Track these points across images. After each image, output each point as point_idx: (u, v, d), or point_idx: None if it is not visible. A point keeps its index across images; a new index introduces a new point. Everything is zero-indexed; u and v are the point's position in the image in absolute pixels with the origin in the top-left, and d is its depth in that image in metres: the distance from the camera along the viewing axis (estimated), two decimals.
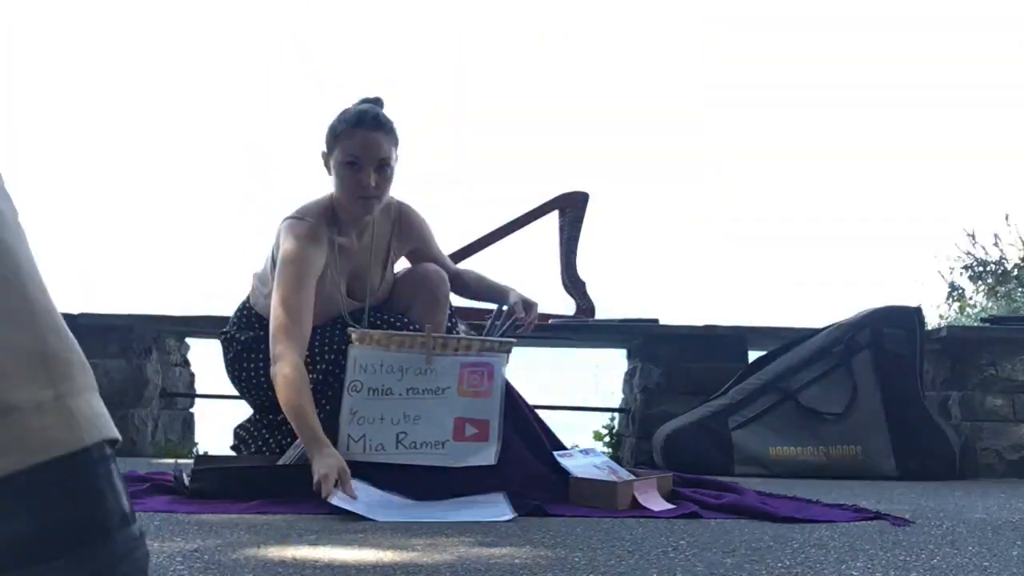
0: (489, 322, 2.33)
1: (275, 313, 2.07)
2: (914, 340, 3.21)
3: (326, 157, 2.20)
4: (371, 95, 2.26)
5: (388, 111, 2.23)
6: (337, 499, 1.72)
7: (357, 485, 1.83)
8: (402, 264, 2.44)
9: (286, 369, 1.98)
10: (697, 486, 2.21)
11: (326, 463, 1.82)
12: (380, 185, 2.14)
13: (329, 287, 2.20)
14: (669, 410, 3.39)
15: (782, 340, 3.45)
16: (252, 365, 2.26)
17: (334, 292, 2.22)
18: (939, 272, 6.83)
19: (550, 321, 3.65)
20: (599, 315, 3.80)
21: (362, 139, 2.12)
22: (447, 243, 2.95)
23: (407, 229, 2.36)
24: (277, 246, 2.21)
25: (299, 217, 2.19)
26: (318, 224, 2.17)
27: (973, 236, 6.77)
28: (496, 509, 1.75)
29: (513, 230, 3.75)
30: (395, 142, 2.18)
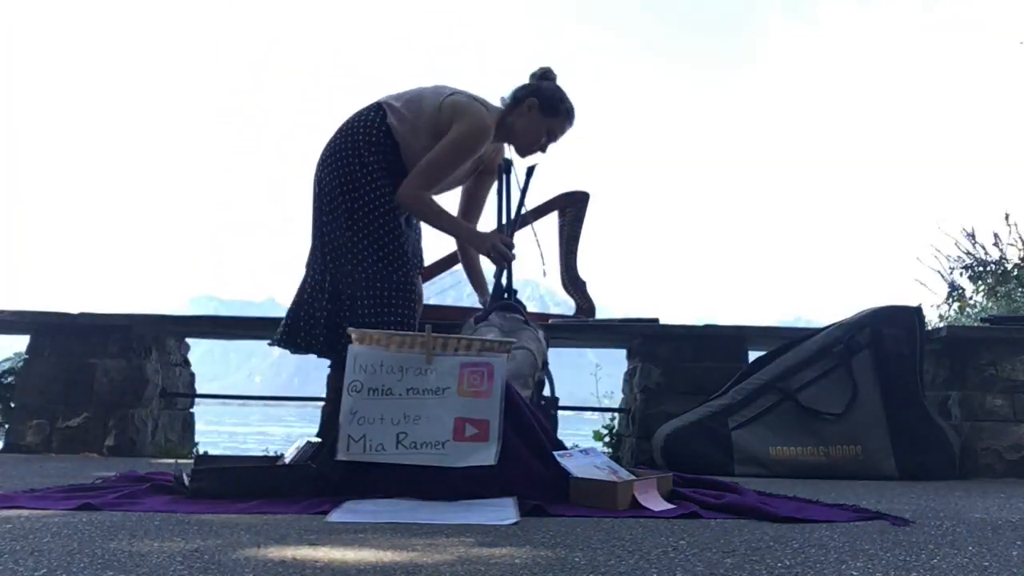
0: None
1: (435, 165, 2.56)
2: (914, 340, 3.21)
3: (534, 105, 2.68)
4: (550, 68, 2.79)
5: None
6: (338, 515, 1.71)
7: (360, 505, 1.82)
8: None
9: (427, 198, 2.58)
10: (697, 486, 2.21)
11: (486, 235, 2.71)
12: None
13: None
14: (669, 410, 3.39)
15: (782, 340, 3.45)
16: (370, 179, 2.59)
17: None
18: (939, 272, 6.81)
19: (550, 321, 3.65)
20: (599, 315, 3.80)
21: (567, 130, 2.77)
22: (452, 242, 2.98)
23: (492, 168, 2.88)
24: (446, 107, 2.59)
25: (485, 105, 2.66)
26: (492, 125, 2.66)
27: (973, 236, 6.75)
28: (502, 512, 1.75)
29: (514, 230, 3.75)
30: None
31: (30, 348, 3.61)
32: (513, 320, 2.67)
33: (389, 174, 2.59)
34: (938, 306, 6.59)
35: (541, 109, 2.69)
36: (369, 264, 2.54)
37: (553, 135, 2.73)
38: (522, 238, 2.88)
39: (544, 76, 2.77)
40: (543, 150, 2.75)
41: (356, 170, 2.58)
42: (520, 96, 2.70)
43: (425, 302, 3.16)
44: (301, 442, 2.30)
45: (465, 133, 2.57)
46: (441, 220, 2.66)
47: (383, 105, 2.64)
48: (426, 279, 3.58)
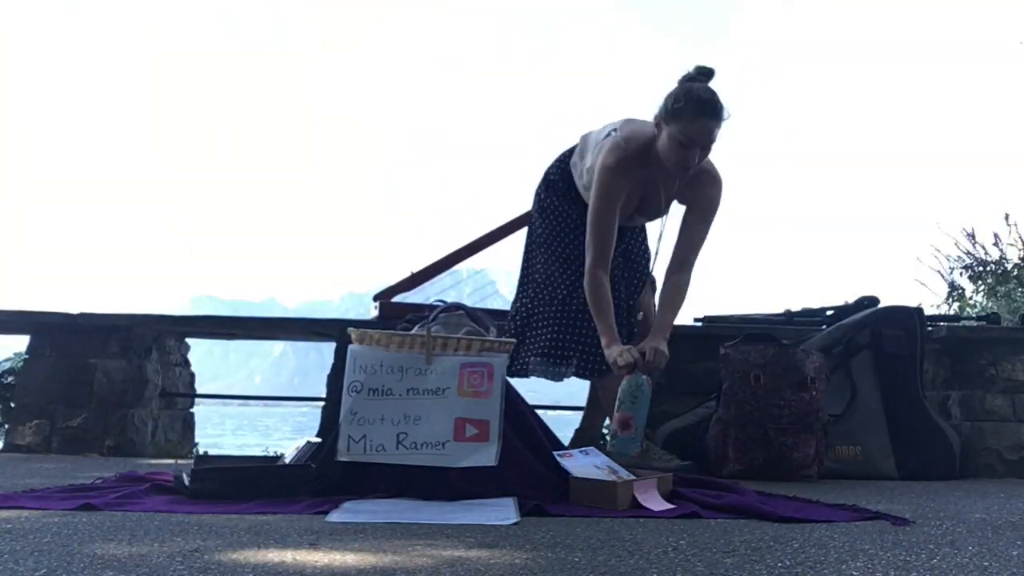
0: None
1: (591, 231, 2.56)
2: (914, 340, 3.20)
3: (659, 119, 2.47)
4: (707, 65, 2.49)
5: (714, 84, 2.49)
6: (338, 515, 1.71)
7: (360, 505, 1.82)
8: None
9: (596, 279, 2.55)
10: (697, 486, 2.21)
11: (614, 350, 2.44)
12: (701, 160, 2.47)
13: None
14: (669, 410, 3.38)
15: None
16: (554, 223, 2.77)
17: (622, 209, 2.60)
18: (939, 272, 6.81)
19: None
20: None
21: (701, 127, 2.40)
22: (452, 242, 2.97)
23: (698, 188, 2.62)
24: (598, 148, 2.59)
25: (623, 144, 2.53)
26: (632, 157, 2.52)
27: (973, 236, 6.74)
28: (502, 512, 1.75)
29: (514, 230, 3.75)
30: (722, 124, 2.44)
31: (30, 348, 3.61)
32: (457, 317, 2.53)
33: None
34: (938, 306, 6.59)
35: (664, 121, 2.45)
36: None
37: (689, 141, 2.40)
38: None
39: (691, 79, 2.48)
40: (689, 163, 2.45)
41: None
42: (656, 116, 2.51)
43: (424, 301, 3.16)
44: (301, 442, 2.29)
45: (595, 195, 2.56)
46: (594, 311, 2.57)
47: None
48: (426, 279, 3.59)
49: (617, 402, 2.39)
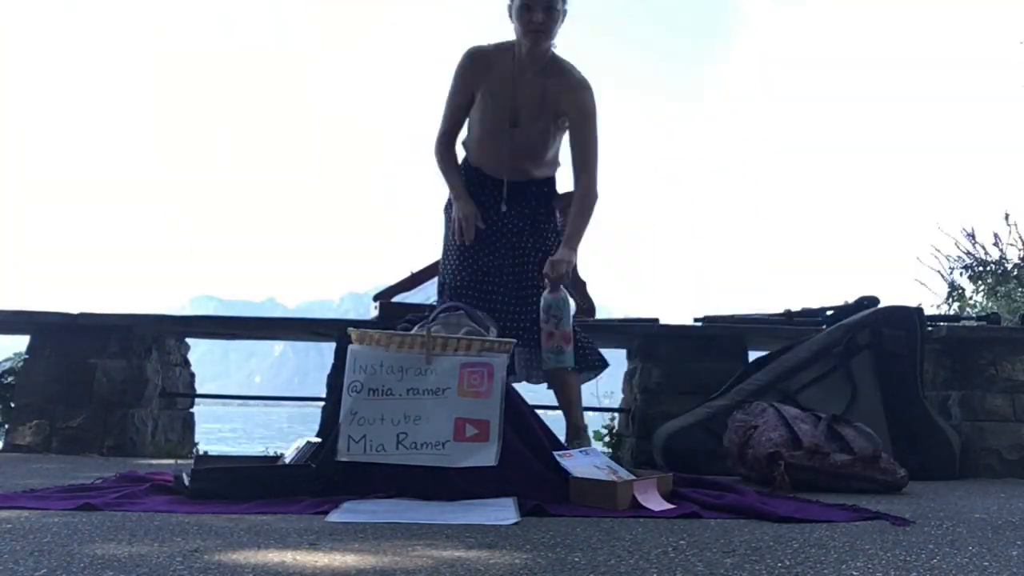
0: None
1: (445, 106, 2.85)
2: (914, 340, 3.20)
3: (509, 8, 2.67)
4: None
5: None
6: (338, 515, 1.71)
7: (360, 505, 1.82)
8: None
9: (438, 148, 2.87)
10: (697, 486, 2.21)
11: (463, 207, 2.76)
12: (546, 22, 2.62)
13: (500, 105, 2.74)
14: (669, 410, 3.39)
15: (782, 340, 3.45)
16: None
17: (503, 110, 2.75)
18: (939, 272, 6.82)
19: None
20: (599, 315, 3.80)
21: None
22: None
23: (568, 96, 2.73)
24: None
25: (477, 44, 2.81)
26: (487, 50, 2.76)
27: (973, 236, 6.75)
28: (502, 512, 1.75)
29: None
30: None
31: (30, 348, 3.61)
32: (457, 317, 2.51)
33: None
34: (938, 306, 6.60)
35: (510, 4, 2.67)
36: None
37: (529, 5, 2.60)
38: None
39: None
40: (535, 25, 2.60)
41: None
42: (507, 9, 2.72)
43: (424, 301, 3.16)
44: (301, 442, 2.30)
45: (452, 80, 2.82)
46: (444, 176, 2.87)
47: None
48: (426, 279, 3.58)
49: (554, 320, 2.56)
